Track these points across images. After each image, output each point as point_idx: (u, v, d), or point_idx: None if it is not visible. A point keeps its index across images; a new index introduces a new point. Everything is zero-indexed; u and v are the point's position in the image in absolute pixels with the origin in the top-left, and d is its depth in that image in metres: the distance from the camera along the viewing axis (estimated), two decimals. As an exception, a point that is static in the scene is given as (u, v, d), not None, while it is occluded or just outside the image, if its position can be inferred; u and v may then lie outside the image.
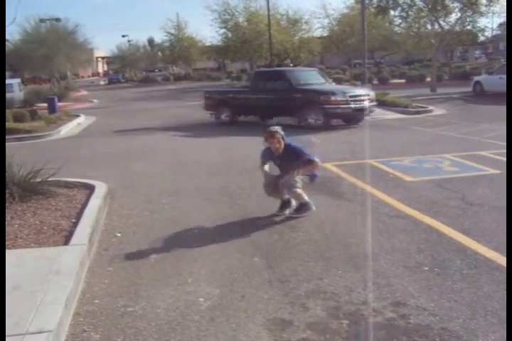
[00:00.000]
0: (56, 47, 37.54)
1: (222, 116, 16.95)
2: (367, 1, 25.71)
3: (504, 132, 11.68)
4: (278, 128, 6.25)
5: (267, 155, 6.38)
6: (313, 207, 6.21)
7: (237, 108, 16.79)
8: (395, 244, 5.08)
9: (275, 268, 4.62)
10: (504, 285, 4.03)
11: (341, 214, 6.17)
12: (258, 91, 16.12)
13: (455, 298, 3.87)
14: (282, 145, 6.15)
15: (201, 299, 4.05)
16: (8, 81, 29.52)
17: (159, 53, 73.74)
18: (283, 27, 47.72)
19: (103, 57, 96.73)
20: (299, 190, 6.11)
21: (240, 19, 49.42)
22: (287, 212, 6.27)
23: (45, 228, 5.67)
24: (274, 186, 6.25)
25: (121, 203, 7.16)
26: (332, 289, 4.14)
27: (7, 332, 3.26)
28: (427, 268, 4.45)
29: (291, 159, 6.13)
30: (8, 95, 24.77)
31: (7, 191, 6.56)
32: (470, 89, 24.40)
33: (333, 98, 14.30)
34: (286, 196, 6.28)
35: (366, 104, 14.73)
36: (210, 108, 17.68)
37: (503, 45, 64.40)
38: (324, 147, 10.76)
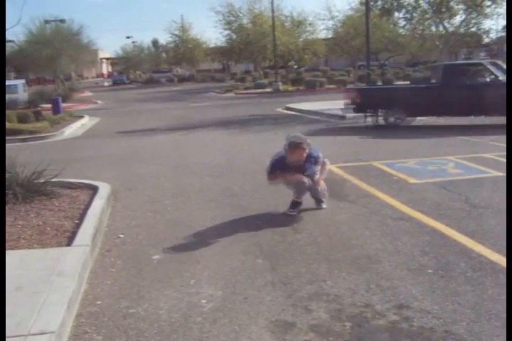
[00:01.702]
0: (61, 48, 37.69)
1: (391, 118, 14.44)
2: (371, 3, 25.68)
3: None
4: (303, 137, 6.12)
5: (280, 167, 6.21)
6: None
7: (421, 107, 14.03)
8: (399, 246, 5.06)
9: (278, 269, 4.61)
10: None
11: (345, 216, 6.15)
12: (459, 87, 13.43)
13: (459, 301, 3.85)
14: (305, 156, 6.08)
15: (204, 301, 4.04)
16: (12, 82, 29.66)
17: (163, 54, 73.89)
18: (287, 28, 47.76)
19: (107, 59, 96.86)
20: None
21: (244, 21, 49.50)
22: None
23: (48, 229, 5.67)
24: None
25: (125, 204, 7.16)
26: (335, 291, 4.12)
27: (8, 333, 3.25)
28: (430, 271, 4.43)
29: (308, 167, 6.14)
30: (12, 96, 24.89)
31: (10, 191, 6.57)
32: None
33: None
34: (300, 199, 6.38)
35: None
36: (366, 108, 14.94)
37: (507, 47, 64.22)
38: (328, 148, 10.74)
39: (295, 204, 6.30)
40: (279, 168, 6.21)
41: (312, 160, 6.17)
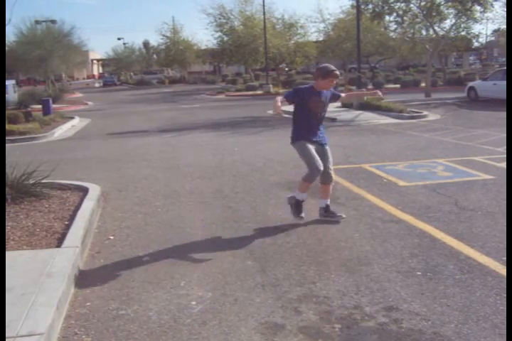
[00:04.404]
0: (51, 49, 37.48)
1: None
2: (362, 6, 25.79)
3: (498, 137, 11.75)
4: None
5: (305, 94, 5.83)
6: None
7: None
8: (388, 248, 5.09)
9: (268, 271, 4.62)
10: (496, 290, 4.04)
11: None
12: None
13: (447, 303, 3.88)
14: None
15: (193, 302, 4.04)
16: (2, 82, 29.40)
17: (154, 56, 73.76)
18: (278, 31, 47.74)
19: (98, 60, 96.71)
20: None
21: (236, 23, 49.41)
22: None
23: (38, 230, 5.65)
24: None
25: (115, 206, 7.14)
26: (325, 293, 4.13)
27: (-2, 335, 3.24)
28: (419, 273, 4.46)
29: (327, 99, 6.04)
30: (2, 96, 24.68)
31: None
32: (464, 94, 24.52)
33: None
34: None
35: None
36: None
37: (496, 52, 64.89)
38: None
39: (297, 204, 5.99)
40: (306, 94, 5.85)
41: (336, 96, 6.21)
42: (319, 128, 6.02)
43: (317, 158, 5.76)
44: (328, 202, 6.14)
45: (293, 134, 6.03)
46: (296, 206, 5.99)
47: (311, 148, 5.84)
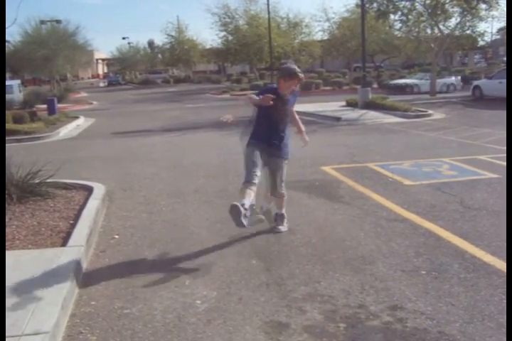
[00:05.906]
0: (56, 48, 37.57)
1: None
2: (367, 5, 25.73)
3: (503, 136, 11.71)
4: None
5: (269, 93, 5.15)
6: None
7: None
8: (393, 247, 5.08)
9: (272, 270, 4.61)
10: (502, 290, 4.03)
11: (339, 218, 6.16)
12: None
13: (452, 302, 3.87)
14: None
15: (198, 301, 4.05)
16: (7, 82, 29.51)
17: (159, 55, 73.80)
18: (283, 30, 47.70)
19: (103, 59, 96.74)
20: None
21: (240, 22, 49.41)
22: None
23: (43, 229, 5.66)
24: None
25: (120, 205, 7.15)
26: (329, 292, 4.13)
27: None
28: (424, 272, 4.45)
29: (290, 103, 5.51)
30: (7, 96, 24.76)
31: (5, 192, 6.56)
32: (469, 93, 24.45)
33: None
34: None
35: None
36: None
37: (502, 50, 64.67)
38: (323, 150, 10.77)
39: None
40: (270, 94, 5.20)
41: (294, 95, 5.56)
42: (278, 137, 5.48)
43: (255, 169, 5.18)
44: (282, 212, 5.78)
45: (249, 138, 5.55)
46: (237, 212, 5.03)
47: (257, 157, 5.28)
